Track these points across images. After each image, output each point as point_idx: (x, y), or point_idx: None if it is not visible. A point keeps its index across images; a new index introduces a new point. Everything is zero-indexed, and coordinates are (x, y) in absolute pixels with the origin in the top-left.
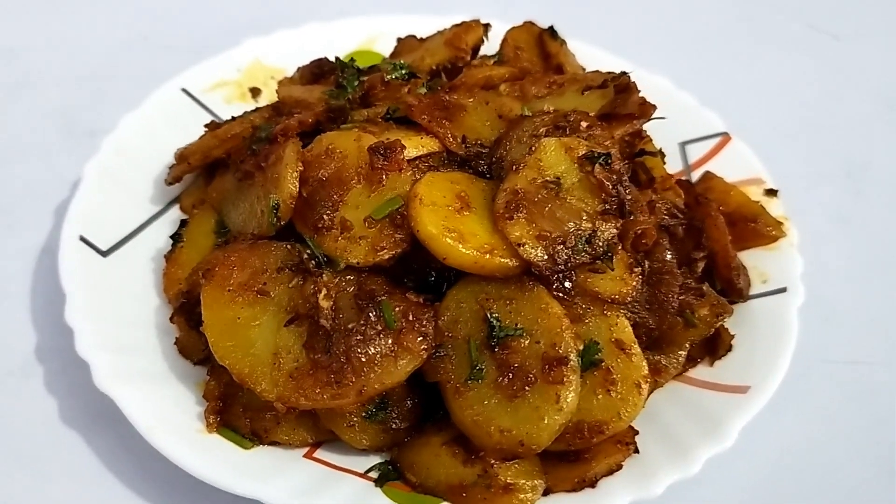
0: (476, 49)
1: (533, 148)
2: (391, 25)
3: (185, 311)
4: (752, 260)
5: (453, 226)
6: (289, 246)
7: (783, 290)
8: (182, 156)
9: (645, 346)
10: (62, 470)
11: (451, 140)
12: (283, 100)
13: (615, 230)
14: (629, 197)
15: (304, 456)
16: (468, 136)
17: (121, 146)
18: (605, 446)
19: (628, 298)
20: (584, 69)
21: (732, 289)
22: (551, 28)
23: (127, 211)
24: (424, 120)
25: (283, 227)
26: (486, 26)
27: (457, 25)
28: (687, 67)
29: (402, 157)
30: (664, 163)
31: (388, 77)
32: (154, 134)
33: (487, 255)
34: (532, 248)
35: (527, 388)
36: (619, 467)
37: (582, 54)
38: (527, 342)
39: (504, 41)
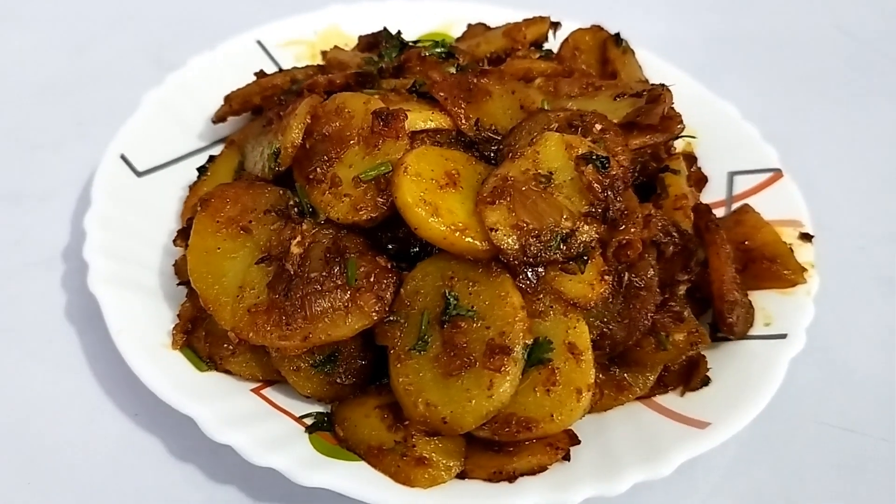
0: (537, 44)
1: (534, 139)
2: (471, 11)
3: (185, 235)
4: (763, 301)
5: (431, 199)
6: (281, 192)
7: (782, 336)
8: (227, 98)
9: (609, 357)
10: (48, 356)
11: (464, 121)
12: (328, 61)
13: (595, 234)
14: (618, 204)
15: (252, 390)
16: (483, 121)
17: (184, 83)
18: (535, 446)
19: (591, 304)
20: (646, 80)
21: (723, 322)
22: (617, 35)
23: (173, 141)
24: (442, 97)
25: (284, 175)
26: (555, 25)
27: (526, 19)
28: (775, 103)
29: (401, 125)
30: (700, 188)
31: (426, 53)
32: (219, 77)
33: (458, 234)
34: (505, 235)
35: (464, 369)
36: (543, 469)
37: (653, 68)
38: (477, 325)
39: (565, 40)
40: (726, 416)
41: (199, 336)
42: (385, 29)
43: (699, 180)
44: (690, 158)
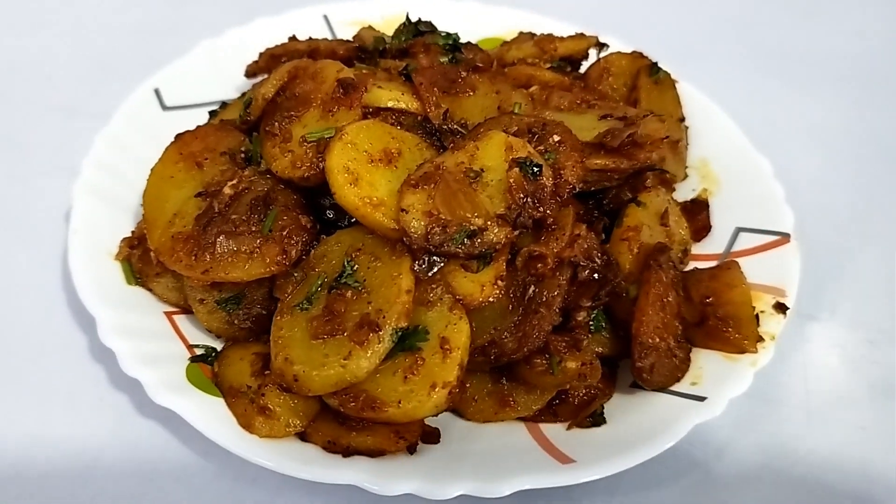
0: (571, 60)
1: (480, 135)
2: (540, 23)
3: None
4: (703, 360)
5: (355, 168)
6: (243, 138)
7: (700, 398)
8: (260, 55)
9: (493, 366)
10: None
11: (432, 108)
12: (354, 38)
13: (503, 237)
14: (537, 214)
15: (165, 312)
16: (454, 113)
17: (241, 39)
18: (380, 429)
19: (475, 305)
20: (680, 117)
21: (632, 366)
22: (654, 64)
23: (209, 88)
24: (418, 80)
25: (255, 126)
26: (601, 45)
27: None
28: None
29: (359, 96)
30: (698, 238)
31: (431, 42)
32: (275, 40)
33: (370, 207)
34: (413, 218)
35: (331, 335)
36: (381, 454)
37: (698, 107)
38: (360, 298)
39: (597, 60)
40: (595, 458)
41: (138, 252)
42: (407, 16)
43: (700, 229)
44: (702, 205)
